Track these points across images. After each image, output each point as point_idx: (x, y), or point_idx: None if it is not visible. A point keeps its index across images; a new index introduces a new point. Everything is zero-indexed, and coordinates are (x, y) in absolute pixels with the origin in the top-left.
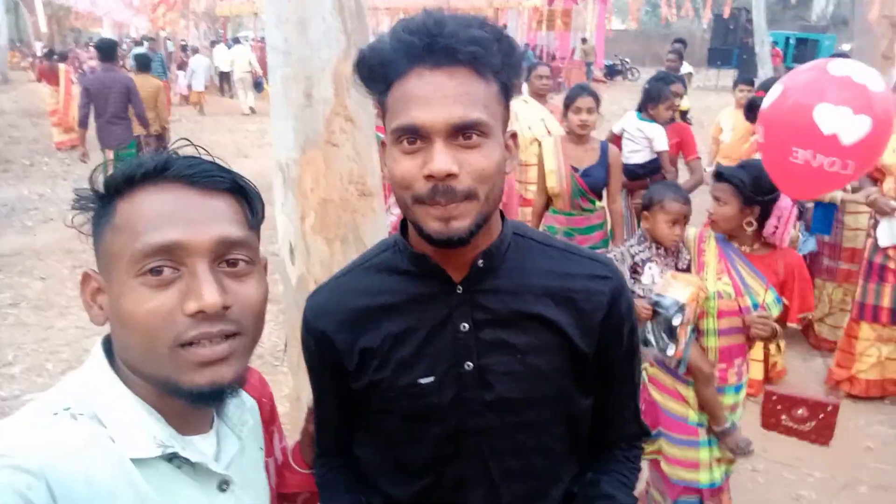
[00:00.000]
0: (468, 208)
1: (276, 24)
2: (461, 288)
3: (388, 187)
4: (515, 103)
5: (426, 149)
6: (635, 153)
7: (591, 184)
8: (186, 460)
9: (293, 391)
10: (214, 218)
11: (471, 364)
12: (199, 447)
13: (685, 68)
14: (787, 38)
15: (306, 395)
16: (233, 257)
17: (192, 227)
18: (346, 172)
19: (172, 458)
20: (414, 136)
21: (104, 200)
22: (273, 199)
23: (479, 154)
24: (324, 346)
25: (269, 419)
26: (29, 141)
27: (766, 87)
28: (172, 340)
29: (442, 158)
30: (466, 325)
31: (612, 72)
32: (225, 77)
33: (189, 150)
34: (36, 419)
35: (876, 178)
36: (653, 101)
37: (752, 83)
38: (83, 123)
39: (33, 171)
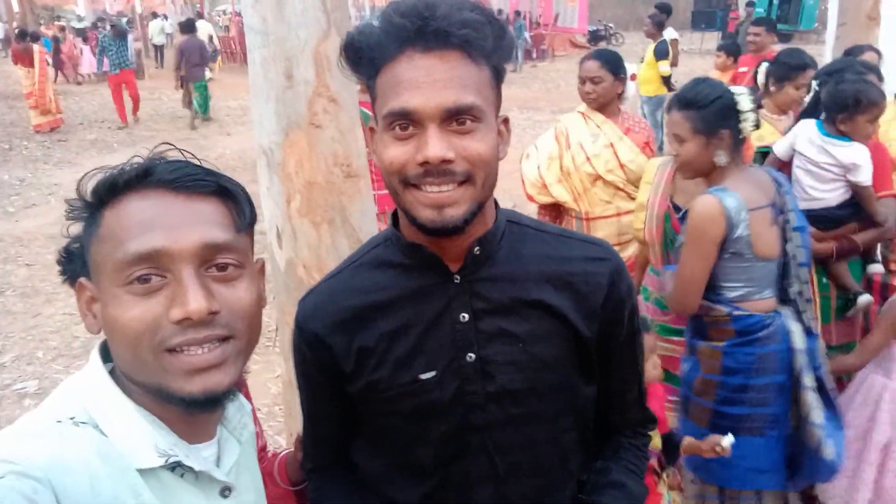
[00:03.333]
0: (464, 194)
1: (253, 4)
2: (458, 277)
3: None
4: (569, 118)
5: (419, 135)
6: (825, 191)
7: None
8: (189, 468)
9: (285, 373)
10: (198, 222)
11: (472, 356)
12: (202, 454)
13: (670, 34)
14: None
15: None
16: (221, 261)
17: (173, 233)
18: (331, 154)
19: (175, 466)
20: (406, 122)
21: (92, 210)
22: (258, 179)
23: (473, 139)
24: (318, 349)
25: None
26: (7, 125)
27: (728, 49)
28: (157, 345)
29: (437, 144)
30: (466, 316)
31: (595, 37)
32: (158, 50)
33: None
34: (39, 427)
35: None
36: (847, 110)
37: (734, 52)
38: (178, 67)
39: (13, 155)
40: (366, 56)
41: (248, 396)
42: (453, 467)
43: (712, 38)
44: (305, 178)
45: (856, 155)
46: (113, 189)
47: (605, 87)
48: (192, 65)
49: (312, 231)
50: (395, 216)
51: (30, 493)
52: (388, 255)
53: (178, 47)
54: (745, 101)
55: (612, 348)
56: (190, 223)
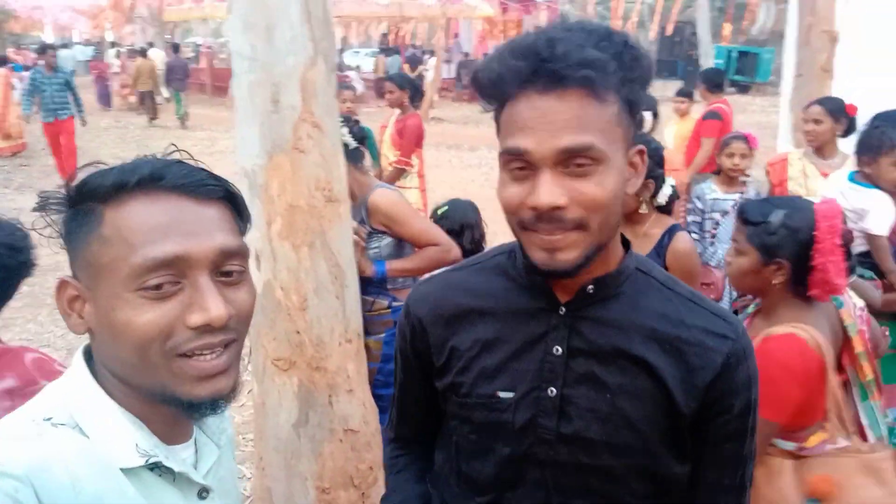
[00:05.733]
0: (577, 239)
1: (242, 30)
2: (564, 309)
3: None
4: None
5: (533, 177)
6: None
7: None
8: (169, 469)
9: (258, 397)
10: (213, 228)
11: (554, 390)
12: (180, 455)
13: None
14: (730, 52)
15: (271, 402)
16: (229, 268)
17: (192, 239)
18: (313, 178)
19: (154, 466)
20: (521, 162)
21: (85, 206)
22: None
23: (591, 182)
24: (417, 335)
25: None
26: None
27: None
28: (169, 350)
29: (547, 190)
30: (559, 349)
31: None
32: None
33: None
34: (16, 429)
35: None
36: (871, 152)
37: (690, 95)
38: (167, 83)
39: None
40: (489, 91)
41: None
42: (508, 493)
43: (673, 86)
44: (287, 201)
45: (868, 200)
46: (121, 188)
47: None
48: (177, 79)
49: (292, 254)
50: None
51: (11, 492)
52: (507, 266)
53: (168, 64)
54: (347, 137)
55: (712, 437)
56: (206, 230)
